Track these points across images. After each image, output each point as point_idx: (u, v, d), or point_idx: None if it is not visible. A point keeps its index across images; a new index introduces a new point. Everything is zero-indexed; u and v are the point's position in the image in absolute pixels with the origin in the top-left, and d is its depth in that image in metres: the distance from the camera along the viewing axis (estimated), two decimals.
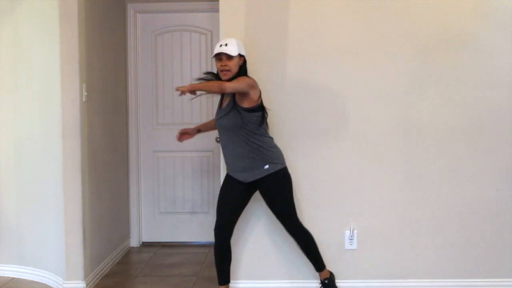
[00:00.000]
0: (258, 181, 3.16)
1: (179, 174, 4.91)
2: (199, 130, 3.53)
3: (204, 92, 2.98)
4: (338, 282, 3.44)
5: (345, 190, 3.51)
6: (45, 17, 3.72)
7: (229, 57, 3.05)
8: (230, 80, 3.05)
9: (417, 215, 3.52)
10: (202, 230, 4.88)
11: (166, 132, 4.89)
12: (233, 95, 3.08)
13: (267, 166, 3.13)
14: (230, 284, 3.38)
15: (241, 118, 3.05)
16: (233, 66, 3.07)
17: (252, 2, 3.46)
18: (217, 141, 4.66)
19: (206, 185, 4.88)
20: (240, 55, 3.11)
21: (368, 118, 3.45)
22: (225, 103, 3.15)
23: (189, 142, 4.86)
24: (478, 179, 3.49)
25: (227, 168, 3.26)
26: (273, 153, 3.17)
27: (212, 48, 4.79)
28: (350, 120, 3.44)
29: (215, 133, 4.76)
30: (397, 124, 3.48)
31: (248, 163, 3.12)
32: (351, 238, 3.53)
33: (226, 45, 3.07)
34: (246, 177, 3.16)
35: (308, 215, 3.47)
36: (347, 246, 3.53)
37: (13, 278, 4.02)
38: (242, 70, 3.13)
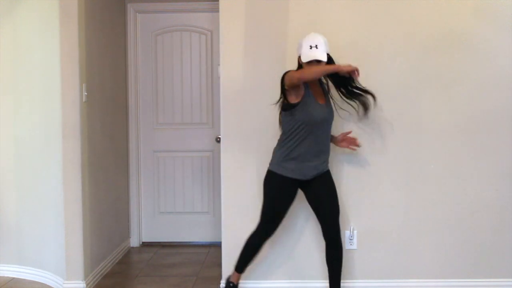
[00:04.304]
0: (320, 176, 3.17)
1: (179, 174, 4.91)
2: None
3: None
4: None
5: (345, 190, 3.51)
6: (45, 17, 3.72)
7: (319, 61, 3.06)
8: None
9: (417, 215, 3.52)
10: (202, 230, 4.89)
11: (166, 132, 4.89)
12: (328, 90, 3.22)
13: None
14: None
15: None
16: None
17: (252, 2, 3.46)
18: (217, 141, 4.67)
19: (206, 185, 4.88)
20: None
21: (368, 118, 3.45)
22: (323, 97, 3.18)
23: (189, 142, 4.91)
24: (478, 179, 3.50)
25: (294, 171, 3.11)
26: None
27: (212, 48, 4.82)
28: (350, 119, 3.44)
29: (215, 133, 4.80)
30: (397, 123, 3.47)
31: (327, 157, 3.20)
32: (351, 238, 3.53)
33: (316, 47, 3.02)
34: (319, 170, 3.15)
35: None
36: (347, 246, 3.53)
37: (13, 278, 4.02)
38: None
